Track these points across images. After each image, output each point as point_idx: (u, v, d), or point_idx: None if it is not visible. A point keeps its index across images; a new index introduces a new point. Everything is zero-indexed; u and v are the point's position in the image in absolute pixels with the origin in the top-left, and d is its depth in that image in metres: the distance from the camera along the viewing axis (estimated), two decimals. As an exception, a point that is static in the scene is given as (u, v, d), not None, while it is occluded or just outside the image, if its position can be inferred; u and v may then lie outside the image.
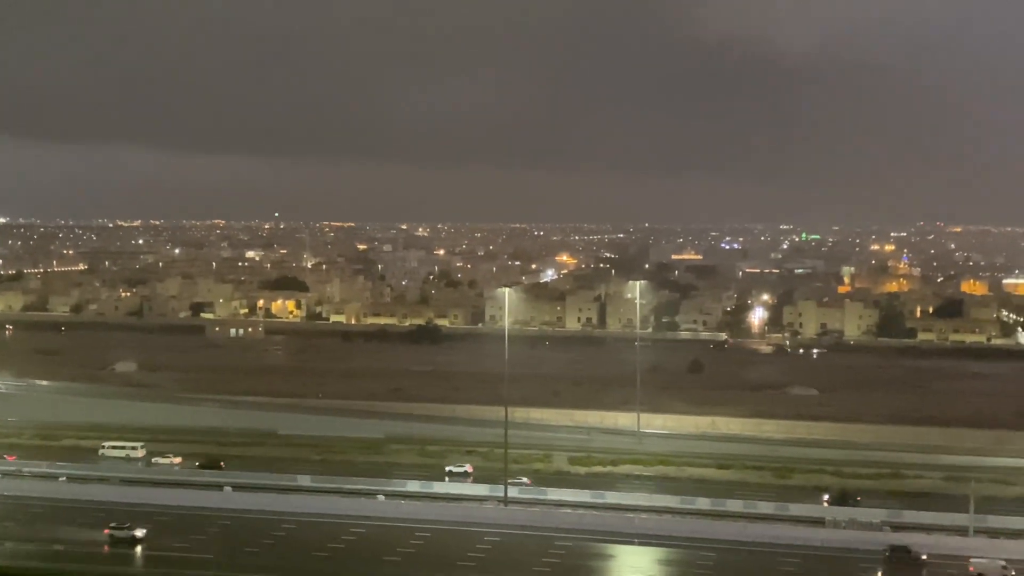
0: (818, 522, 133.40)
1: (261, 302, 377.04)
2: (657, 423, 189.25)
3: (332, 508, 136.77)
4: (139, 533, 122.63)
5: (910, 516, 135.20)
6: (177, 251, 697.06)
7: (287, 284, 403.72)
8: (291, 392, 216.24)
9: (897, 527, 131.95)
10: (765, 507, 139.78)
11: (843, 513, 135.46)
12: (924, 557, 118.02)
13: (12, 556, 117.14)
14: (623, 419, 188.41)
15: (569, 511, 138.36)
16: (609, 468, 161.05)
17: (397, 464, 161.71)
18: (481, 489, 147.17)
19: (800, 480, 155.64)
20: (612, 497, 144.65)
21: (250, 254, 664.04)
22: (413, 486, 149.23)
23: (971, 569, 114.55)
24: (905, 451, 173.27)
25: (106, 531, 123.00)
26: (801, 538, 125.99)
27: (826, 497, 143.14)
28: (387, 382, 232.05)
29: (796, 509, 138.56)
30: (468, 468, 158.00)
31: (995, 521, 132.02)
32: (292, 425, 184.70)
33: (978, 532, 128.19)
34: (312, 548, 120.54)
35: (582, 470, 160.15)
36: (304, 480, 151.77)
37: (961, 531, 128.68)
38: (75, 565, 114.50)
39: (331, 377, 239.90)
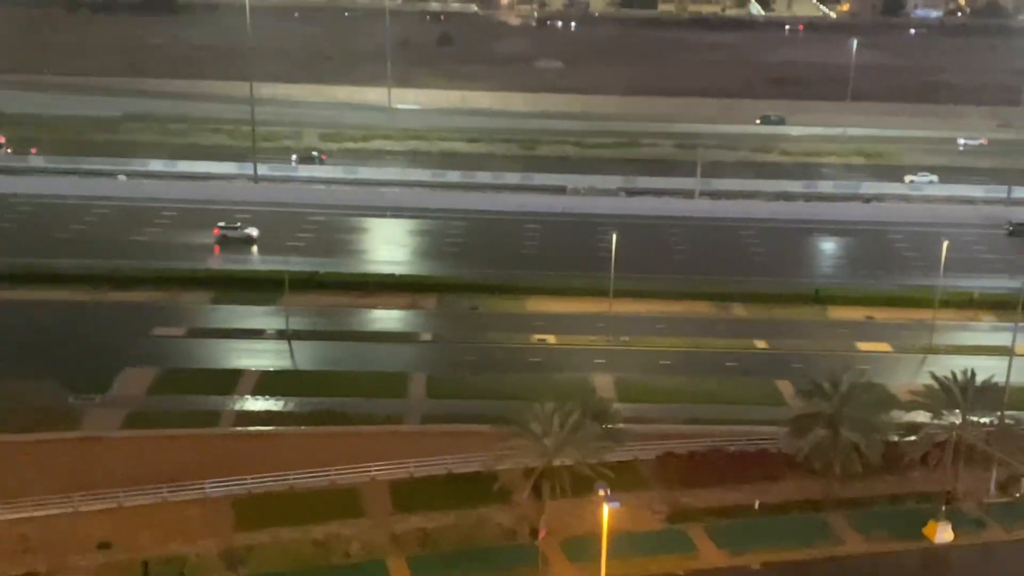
0: (560, 190, 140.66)
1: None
2: (408, 98, 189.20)
3: (70, 189, 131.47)
4: (253, 232, 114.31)
5: (644, 182, 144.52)
6: None
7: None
8: (12, 67, 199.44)
9: (632, 192, 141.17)
10: (512, 178, 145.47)
11: (582, 181, 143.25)
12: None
13: None
14: (373, 94, 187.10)
15: (322, 187, 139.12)
16: (361, 144, 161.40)
17: (138, 143, 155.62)
18: (229, 167, 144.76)
19: (545, 151, 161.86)
20: (364, 173, 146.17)
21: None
22: (156, 165, 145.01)
23: None
24: (642, 120, 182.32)
25: (216, 231, 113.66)
26: (544, 205, 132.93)
27: (294, 156, 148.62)
28: (121, 57, 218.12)
29: (540, 179, 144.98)
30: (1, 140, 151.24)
31: (718, 184, 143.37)
32: (18, 103, 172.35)
33: (703, 195, 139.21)
34: (53, 230, 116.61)
35: (334, 146, 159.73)
36: (37, 161, 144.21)
37: (688, 195, 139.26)
38: None
39: (57, 51, 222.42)
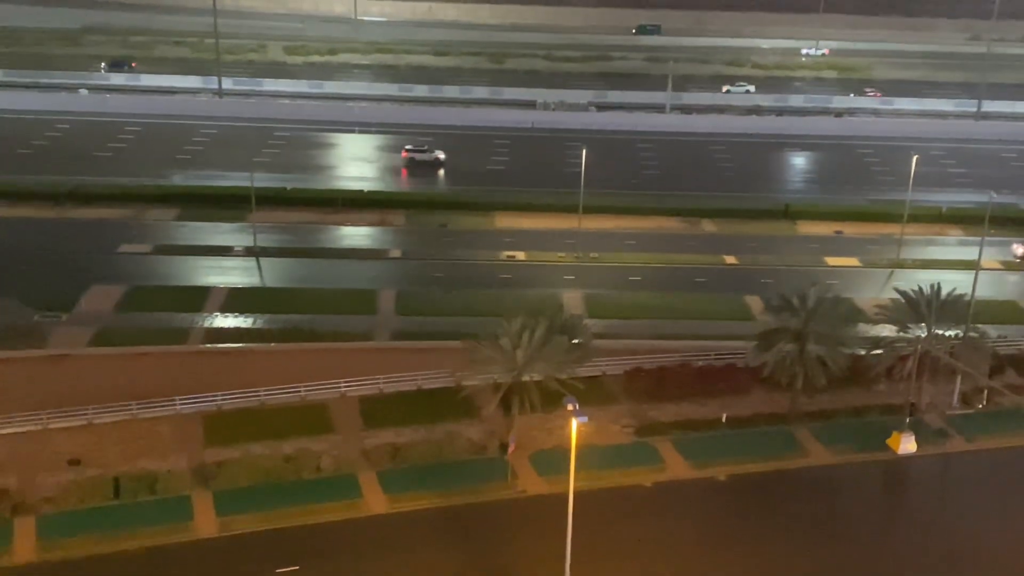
0: (529, 105, 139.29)
1: None
2: (374, 11, 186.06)
3: (30, 104, 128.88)
4: (440, 155, 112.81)
5: (615, 96, 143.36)
6: None
7: None
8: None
9: (602, 107, 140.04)
10: (480, 92, 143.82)
11: (552, 95, 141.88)
12: None
13: None
14: (339, 6, 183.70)
15: (287, 102, 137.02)
16: (327, 57, 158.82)
17: (99, 56, 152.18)
18: (193, 81, 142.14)
19: (513, 64, 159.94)
20: (330, 87, 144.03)
21: None
22: (118, 79, 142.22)
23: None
24: (613, 33, 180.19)
25: (404, 153, 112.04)
26: (513, 120, 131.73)
27: (103, 64, 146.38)
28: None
29: (509, 93, 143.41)
30: None
31: (689, 98, 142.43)
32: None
33: (674, 109, 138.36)
34: (16, 145, 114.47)
35: (299, 60, 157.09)
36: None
37: (659, 108, 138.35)
38: None
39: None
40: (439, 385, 65.01)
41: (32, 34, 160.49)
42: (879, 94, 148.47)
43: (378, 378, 65.74)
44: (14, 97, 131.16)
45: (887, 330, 68.11)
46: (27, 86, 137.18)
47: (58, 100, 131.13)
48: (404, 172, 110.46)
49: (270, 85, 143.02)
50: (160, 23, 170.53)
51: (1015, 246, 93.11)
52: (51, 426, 60.59)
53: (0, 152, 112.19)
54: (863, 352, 66.62)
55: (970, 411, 67.54)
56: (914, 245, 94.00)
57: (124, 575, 50.07)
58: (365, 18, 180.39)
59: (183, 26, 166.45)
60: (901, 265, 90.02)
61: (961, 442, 64.49)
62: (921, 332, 65.10)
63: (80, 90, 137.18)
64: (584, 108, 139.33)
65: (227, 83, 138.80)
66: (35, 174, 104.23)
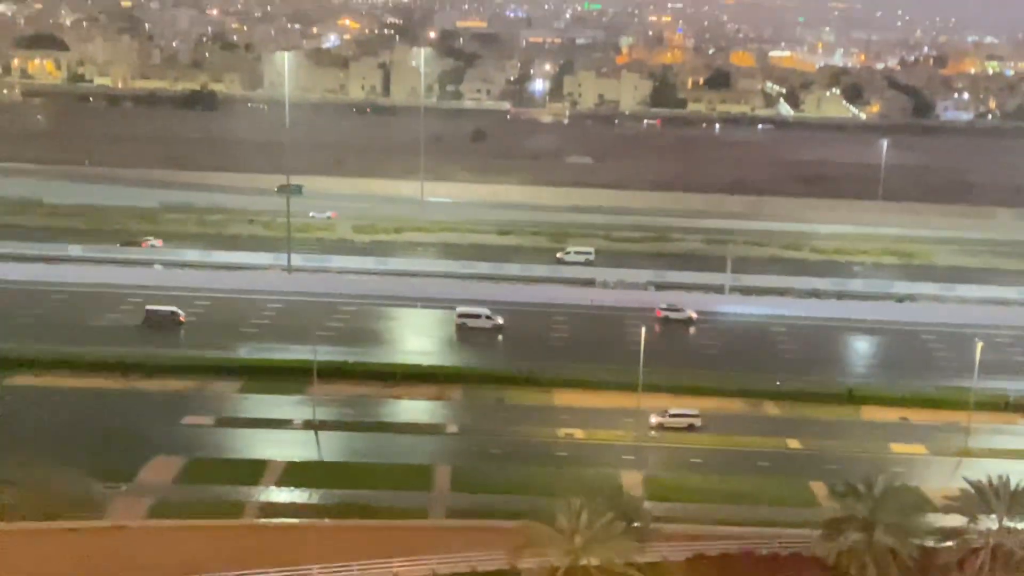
0: (589, 283, 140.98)
1: (16, 62, 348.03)
2: (440, 192, 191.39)
3: (106, 278, 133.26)
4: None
5: (673, 276, 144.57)
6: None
7: (44, 42, 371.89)
8: (56, 159, 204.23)
9: (661, 287, 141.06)
10: (540, 270, 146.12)
11: (612, 274, 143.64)
12: None
13: None
14: (406, 188, 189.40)
15: (353, 278, 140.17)
16: (393, 236, 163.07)
17: (175, 233, 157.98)
18: (264, 258, 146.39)
19: (574, 244, 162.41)
20: (395, 263, 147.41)
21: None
22: (192, 255, 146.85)
23: None
24: (671, 216, 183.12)
25: None
26: (573, 297, 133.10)
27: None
28: (161, 149, 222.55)
29: (569, 272, 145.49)
30: None
31: (748, 280, 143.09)
32: (59, 194, 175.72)
33: (733, 290, 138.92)
34: (88, 318, 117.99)
35: (366, 239, 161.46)
36: (75, 250, 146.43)
37: (718, 289, 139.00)
38: None
39: (99, 143, 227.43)
40: (494, 567, 63.75)
41: (113, 212, 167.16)
42: None
43: (431, 558, 64.75)
44: (90, 272, 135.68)
45: (957, 520, 65.94)
46: (103, 261, 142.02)
47: (133, 274, 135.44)
48: None
49: (337, 261, 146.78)
50: (235, 202, 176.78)
51: (652, 417, 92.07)
52: (104, 598, 60.22)
53: (74, 325, 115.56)
54: (933, 543, 64.37)
55: (1048, 608, 64.38)
56: (982, 433, 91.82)
57: None
58: (431, 199, 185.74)
59: (258, 205, 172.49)
60: (968, 453, 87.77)
61: (1040, 642, 61.29)
62: (992, 524, 62.95)
63: (155, 265, 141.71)
64: (643, 287, 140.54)
65: (297, 259, 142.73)
66: (106, 346, 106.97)
